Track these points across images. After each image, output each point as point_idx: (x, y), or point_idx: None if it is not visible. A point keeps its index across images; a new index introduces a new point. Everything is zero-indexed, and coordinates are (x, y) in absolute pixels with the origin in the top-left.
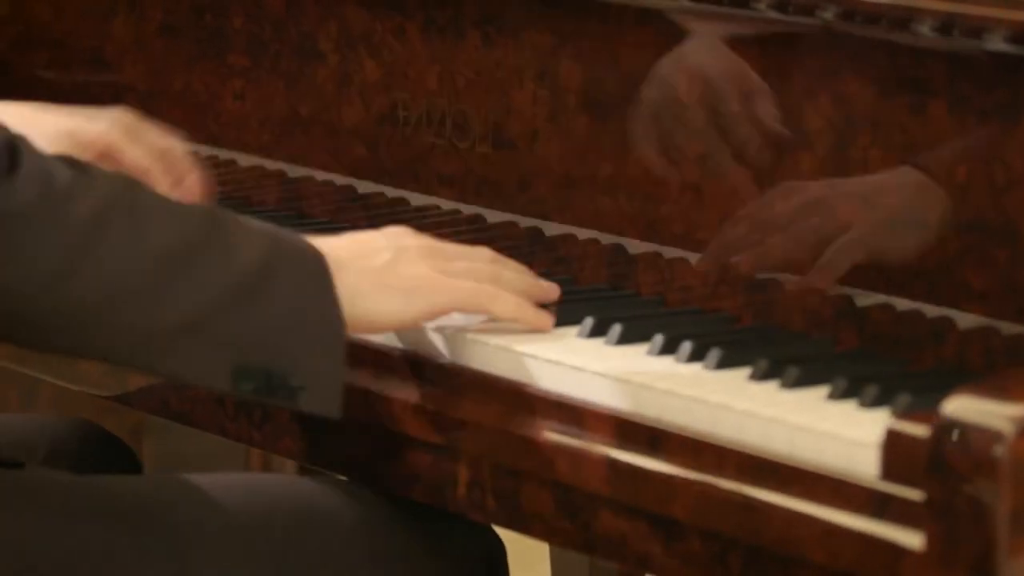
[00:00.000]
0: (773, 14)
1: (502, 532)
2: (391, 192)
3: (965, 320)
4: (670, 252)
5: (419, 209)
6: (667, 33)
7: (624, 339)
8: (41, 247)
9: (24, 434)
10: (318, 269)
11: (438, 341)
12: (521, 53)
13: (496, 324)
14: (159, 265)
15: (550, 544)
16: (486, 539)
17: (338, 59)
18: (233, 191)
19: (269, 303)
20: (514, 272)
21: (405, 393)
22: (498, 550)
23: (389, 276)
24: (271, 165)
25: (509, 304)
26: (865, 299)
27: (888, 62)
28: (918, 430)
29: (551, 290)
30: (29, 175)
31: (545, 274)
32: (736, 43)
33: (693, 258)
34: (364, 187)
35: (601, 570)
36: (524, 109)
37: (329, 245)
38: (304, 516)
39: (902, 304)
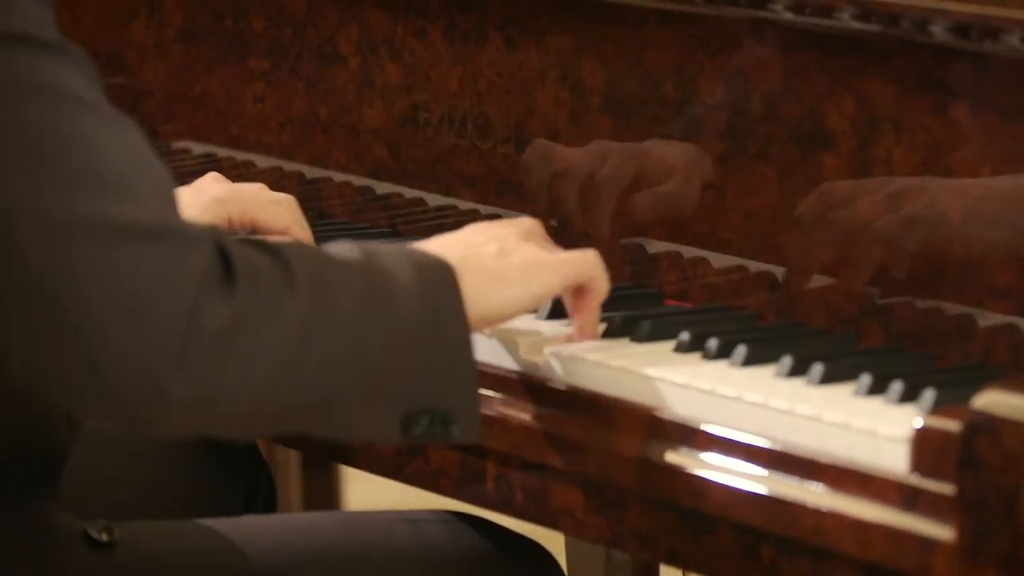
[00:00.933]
0: (790, 16)
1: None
2: (410, 193)
3: (989, 318)
4: (690, 251)
5: (438, 209)
6: (689, 35)
7: (650, 335)
8: (260, 354)
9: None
10: (458, 292)
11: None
12: (544, 56)
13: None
14: (358, 342)
15: (580, 538)
16: (546, 564)
17: (359, 62)
18: None
19: (429, 345)
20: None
21: None
22: (554, 568)
23: (503, 267)
24: (289, 166)
25: (604, 275)
26: (887, 297)
27: (910, 63)
28: (949, 425)
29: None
30: (244, 281)
31: None
32: (757, 45)
33: (713, 257)
34: (383, 188)
35: (616, 560)
36: (546, 110)
37: (442, 250)
38: (367, 548)
39: (924, 303)
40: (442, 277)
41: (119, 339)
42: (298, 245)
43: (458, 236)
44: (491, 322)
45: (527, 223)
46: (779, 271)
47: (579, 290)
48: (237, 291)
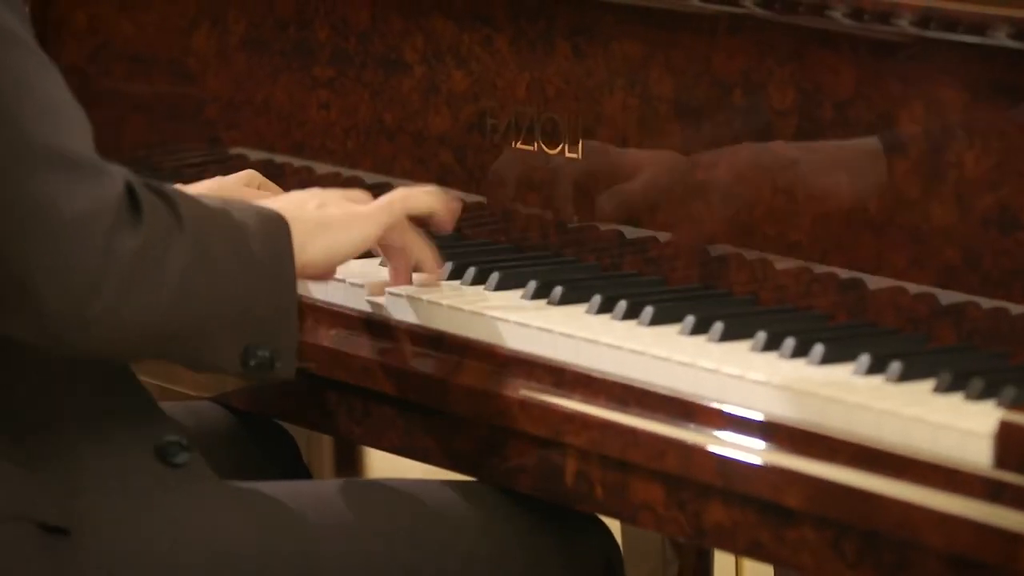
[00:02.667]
0: (850, 23)
1: None
2: (474, 197)
3: None
4: (759, 254)
5: (503, 212)
6: (759, 42)
7: (725, 336)
8: (157, 286)
9: (179, 418)
10: (287, 236)
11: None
12: (612, 63)
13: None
14: (223, 280)
15: (662, 533)
16: (603, 537)
17: (424, 70)
18: None
19: (271, 286)
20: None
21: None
22: (614, 549)
23: (324, 219)
24: (348, 172)
25: (421, 197)
26: (953, 297)
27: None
28: None
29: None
30: (148, 216)
31: (636, 275)
32: (825, 51)
33: (781, 261)
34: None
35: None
36: (615, 116)
37: (272, 205)
38: (430, 517)
39: (988, 302)
40: (279, 226)
41: (48, 263)
42: (181, 191)
43: (285, 196)
44: (318, 267)
45: (353, 192)
46: (846, 273)
47: (391, 241)
48: (143, 225)
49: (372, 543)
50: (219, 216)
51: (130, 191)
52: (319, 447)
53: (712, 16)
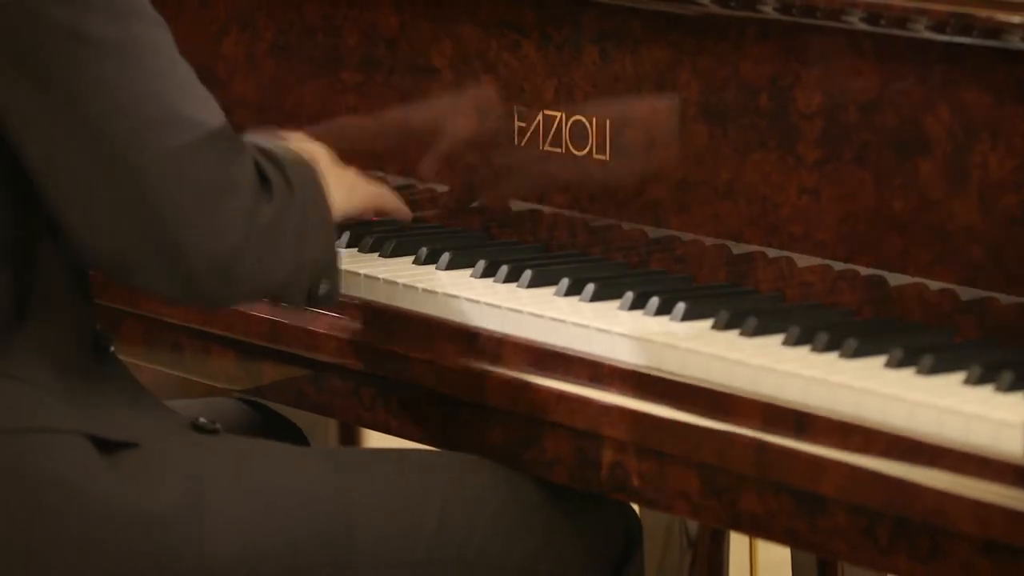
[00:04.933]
0: (894, 31)
1: None
2: (503, 198)
3: None
4: (785, 253)
5: (531, 212)
6: (787, 48)
7: (757, 331)
8: (285, 245)
9: (202, 413)
10: (325, 191)
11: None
12: (639, 67)
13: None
14: (312, 229)
15: (699, 522)
16: (625, 514)
17: (452, 75)
18: None
19: (324, 228)
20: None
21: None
22: (635, 525)
23: (338, 177)
24: (376, 174)
25: (399, 206)
26: (974, 293)
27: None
28: None
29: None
30: (274, 185)
31: (663, 272)
32: (854, 56)
33: (804, 259)
34: (476, 194)
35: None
36: (642, 119)
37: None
38: (454, 490)
39: (1008, 298)
40: (322, 182)
41: (198, 228)
42: (285, 151)
43: (302, 147)
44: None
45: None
46: (869, 271)
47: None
48: (274, 197)
49: (407, 497)
50: (308, 176)
51: (255, 161)
52: (324, 436)
53: (740, 21)
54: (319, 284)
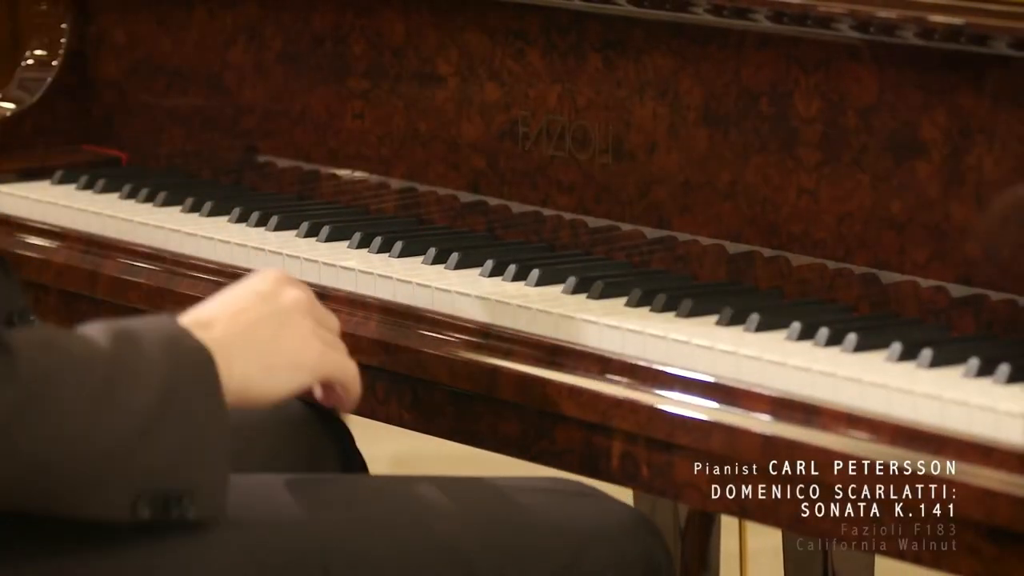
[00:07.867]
0: (886, 38)
1: None
2: (506, 202)
3: None
4: (784, 252)
5: (534, 214)
6: (786, 57)
7: (760, 327)
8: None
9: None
10: (211, 380)
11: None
12: (642, 74)
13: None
14: (81, 430)
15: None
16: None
17: (458, 81)
18: (352, 200)
19: (171, 429)
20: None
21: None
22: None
23: (274, 354)
24: (375, 179)
25: (358, 386)
26: (967, 290)
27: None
28: None
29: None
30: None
31: (664, 271)
32: (851, 61)
33: (802, 259)
34: (480, 197)
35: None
36: (644, 124)
37: (215, 325)
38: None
39: (998, 295)
40: (200, 371)
41: None
42: (32, 339)
43: (239, 304)
44: (255, 406)
45: (307, 301)
46: (864, 271)
47: (330, 387)
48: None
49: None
50: (91, 363)
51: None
52: None
53: (740, 32)
54: (149, 499)
